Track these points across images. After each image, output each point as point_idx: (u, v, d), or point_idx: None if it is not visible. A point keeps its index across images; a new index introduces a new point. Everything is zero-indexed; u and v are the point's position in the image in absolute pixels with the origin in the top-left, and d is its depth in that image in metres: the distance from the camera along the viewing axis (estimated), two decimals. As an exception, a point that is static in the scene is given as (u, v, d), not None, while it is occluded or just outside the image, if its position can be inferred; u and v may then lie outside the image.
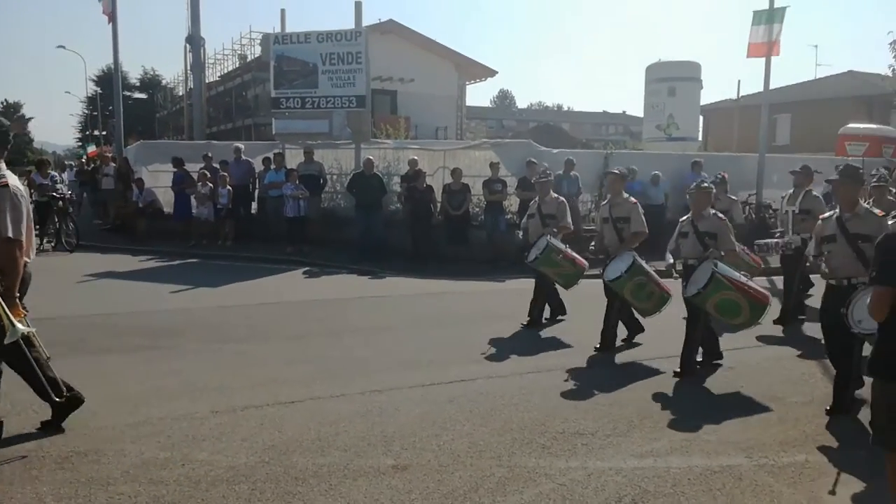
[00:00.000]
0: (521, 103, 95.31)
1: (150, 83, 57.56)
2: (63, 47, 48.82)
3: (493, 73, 38.21)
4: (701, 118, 35.53)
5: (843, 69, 41.50)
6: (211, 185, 15.14)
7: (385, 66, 28.12)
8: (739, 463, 4.69)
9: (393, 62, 29.03)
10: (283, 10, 16.70)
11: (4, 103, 71.95)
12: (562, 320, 8.77)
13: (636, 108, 65.96)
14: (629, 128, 66.06)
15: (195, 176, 15.42)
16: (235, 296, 10.47)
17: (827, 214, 5.78)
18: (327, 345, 7.67)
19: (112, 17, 18.57)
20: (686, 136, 30.85)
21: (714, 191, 7.20)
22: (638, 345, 7.77)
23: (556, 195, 8.85)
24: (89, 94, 55.25)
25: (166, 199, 16.82)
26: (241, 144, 16.90)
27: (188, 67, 26.12)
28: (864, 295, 4.84)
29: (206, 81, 32.62)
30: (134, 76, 58.27)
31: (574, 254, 8.12)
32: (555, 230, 8.32)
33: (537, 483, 4.36)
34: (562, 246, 8.08)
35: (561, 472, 4.50)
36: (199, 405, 5.63)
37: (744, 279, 6.36)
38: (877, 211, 5.60)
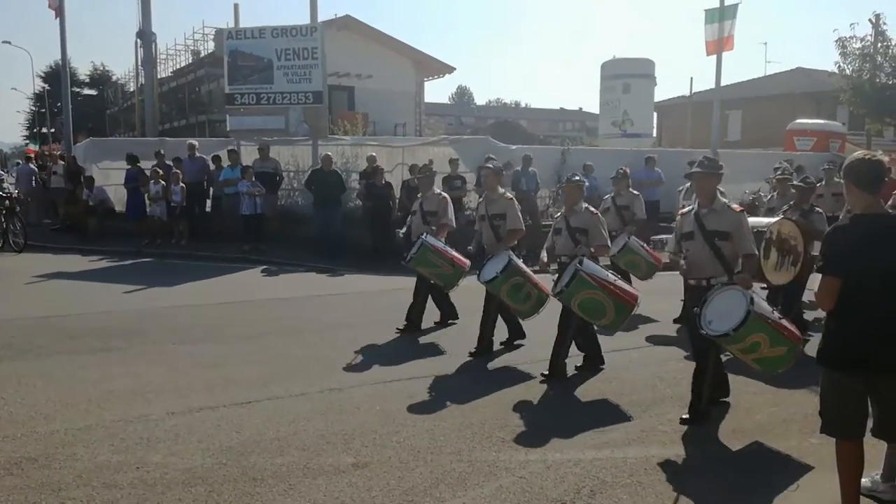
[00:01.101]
0: (480, 100, 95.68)
1: (101, 79, 56.09)
2: (9, 42, 47.40)
3: (451, 69, 38.20)
4: (655, 114, 36.10)
5: (793, 66, 42.65)
6: (164, 182, 14.84)
7: (342, 62, 27.89)
8: (693, 454, 4.79)
9: (350, 58, 28.80)
10: (236, 5, 16.56)
11: (-54, 99, 69.48)
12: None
13: (592, 105, 66.77)
14: (586, 124, 66.85)
15: (148, 173, 15.10)
16: (191, 295, 10.29)
17: (686, 209, 5.59)
18: (286, 344, 7.59)
19: (59, 12, 18.09)
20: (641, 133, 31.34)
21: (586, 184, 6.85)
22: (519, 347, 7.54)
23: (438, 191, 8.46)
24: (37, 91, 53.62)
25: (117, 198, 16.43)
26: (195, 141, 16.59)
27: (139, 63, 25.49)
28: (717, 295, 4.87)
29: (159, 77, 31.93)
30: (83, 72, 56.68)
31: (455, 253, 7.54)
32: (433, 228, 7.86)
33: (497, 476, 4.38)
34: (440, 244, 7.56)
35: (520, 465, 4.54)
36: (153, 407, 5.53)
37: (611, 278, 6.04)
38: (734, 206, 5.36)
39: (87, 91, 54.88)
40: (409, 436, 5.06)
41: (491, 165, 7.66)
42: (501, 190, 7.43)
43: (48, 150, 23.43)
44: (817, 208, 7.80)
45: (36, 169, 19.21)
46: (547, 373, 6.38)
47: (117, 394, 5.85)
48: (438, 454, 4.71)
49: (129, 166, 15.50)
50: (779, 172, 9.56)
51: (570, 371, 6.53)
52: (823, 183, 12.21)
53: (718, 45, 15.68)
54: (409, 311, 8.14)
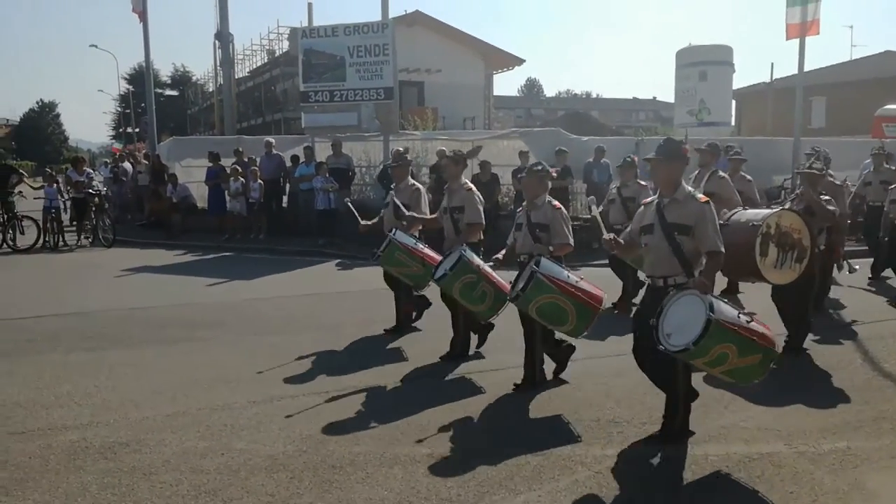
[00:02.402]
0: (549, 91, 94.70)
1: (181, 80, 58.31)
2: (95, 46, 49.69)
3: (520, 61, 38.01)
4: (733, 102, 34.95)
5: (880, 49, 40.52)
6: (243, 179, 15.31)
7: (412, 58, 28.10)
8: (779, 450, 4.63)
9: (420, 53, 29.01)
10: (310, 4, 16.80)
11: (40, 103, 73.58)
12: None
13: (667, 94, 65.02)
14: (660, 114, 65.26)
15: (228, 171, 15.61)
16: (270, 288, 10.59)
17: (650, 199, 4.91)
18: (360, 335, 7.72)
19: (142, 16, 18.84)
20: (718, 121, 30.39)
21: (553, 176, 6.11)
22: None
23: (413, 182, 7.71)
24: (122, 92, 56.18)
25: (199, 194, 17.05)
26: (271, 139, 17.05)
27: (217, 63, 26.34)
28: (674, 303, 4.33)
29: (236, 77, 32.88)
30: (165, 73, 59.13)
31: (427, 251, 6.91)
32: (404, 223, 7.22)
33: (573, 471, 4.35)
34: (410, 241, 6.94)
35: (596, 460, 4.49)
36: (236, 395, 5.73)
37: (573, 279, 5.36)
38: (699, 196, 4.65)
39: (168, 92, 57.17)
40: (485, 428, 5.08)
41: (451, 153, 7.06)
42: (462, 180, 6.87)
43: (135, 149, 24.45)
44: (824, 195, 7.01)
45: (130, 168, 19.95)
46: (519, 383, 5.85)
47: (202, 382, 6.09)
48: (513, 447, 4.70)
49: (210, 164, 16.06)
50: (807, 166, 8.93)
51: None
52: (871, 170, 11.51)
53: (801, 29, 14.98)
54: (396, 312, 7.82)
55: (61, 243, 14.99)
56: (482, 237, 6.83)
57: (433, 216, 7.30)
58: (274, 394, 5.77)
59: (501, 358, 6.60)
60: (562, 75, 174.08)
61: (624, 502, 3.98)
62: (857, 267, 8.91)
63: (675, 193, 4.63)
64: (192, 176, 17.60)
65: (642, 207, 4.93)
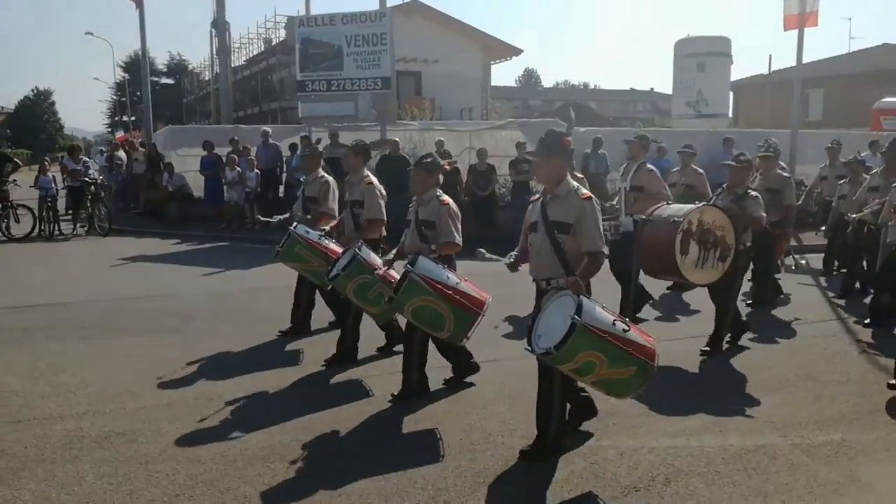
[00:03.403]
0: (547, 82, 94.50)
1: (177, 68, 58.06)
2: (91, 34, 49.48)
3: (517, 51, 37.86)
4: (731, 94, 34.90)
5: (878, 42, 40.50)
6: (239, 168, 15.26)
7: (409, 47, 27.96)
8: (774, 442, 4.64)
9: (417, 43, 28.85)
10: (307, -7, 16.71)
11: (35, 91, 73.17)
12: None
13: (664, 85, 65.08)
14: (657, 105, 65.17)
15: (224, 160, 15.56)
16: (266, 278, 10.55)
17: (537, 196, 4.63)
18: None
19: (138, 3, 18.70)
20: (716, 113, 30.32)
21: (446, 168, 5.69)
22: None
23: (323, 174, 7.23)
24: (117, 81, 55.91)
25: (195, 184, 16.99)
26: (268, 128, 16.98)
27: (214, 52, 26.22)
28: (551, 303, 4.09)
29: (232, 66, 32.71)
30: (161, 62, 58.85)
31: (332, 246, 6.50)
32: (308, 217, 6.90)
33: (569, 462, 4.36)
34: (313, 236, 6.52)
35: (593, 451, 4.50)
36: (232, 385, 5.72)
37: (453, 281, 4.93)
38: (582, 192, 4.33)
39: (164, 80, 56.94)
40: (481, 419, 5.08)
41: (348, 145, 6.56)
42: (364, 173, 6.45)
43: (130, 138, 24.37)
44: (752, 191, 6.56)
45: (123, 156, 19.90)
46: (398, 392, 5.45)
47: (198, 372, 6.08)
48: (509, 437, 4.71)
49: (206, 153, 15.99)
50: (762, 149, 8.48)
51: (438, 385, 5.67)
52: (827, 164, 11.24)
53: (799, 21, 14.95)
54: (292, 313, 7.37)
55: (57, 232, 14.94)
56: (384, 233, 6.44)
57: (339, 216, 6.84)
58: (270, 383, 5.77)
59: (490, 351, 6.60)
60: (560, 66, 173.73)
61: (620, 493, 3.98)
62: (803, 262, 8.58)
63: (558, 189, 4.37)
64: (188, 165, 17.53)
65: (531, 206, 4.62)
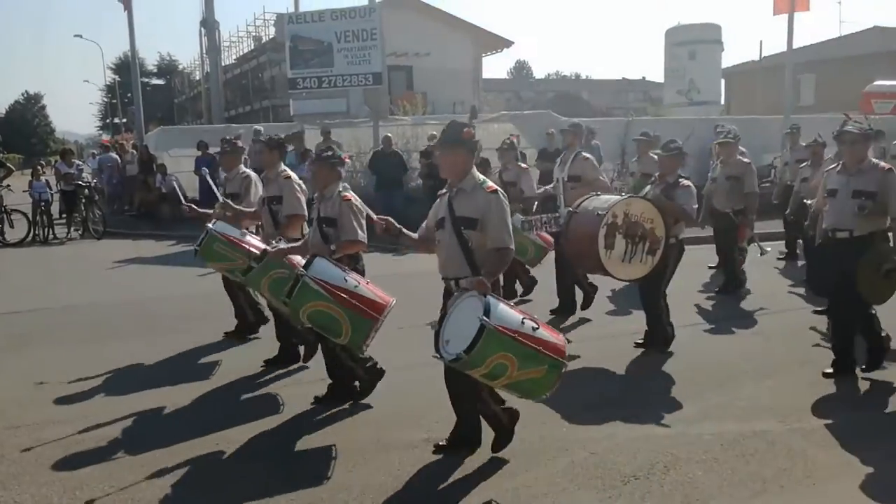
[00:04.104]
0: (539, 74, 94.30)
1: (168, 69, 57.89)
2: (80, 36, 49.36)
3: (508, 43, 37.80)
4: (723, 81, 34.90)
5: (869, 25, 40.52)
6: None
7: (399, 41, 27.92)
8: (772, 428, 4.67)
9: (407, 37, 28.81)
10: (295, -10, 16.65)
11: (25, 94, 72.86)
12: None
13: (656, 74, 65.08)
14: (649, 94, 65.12)
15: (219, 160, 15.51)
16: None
17: (443, 191, 4.39)
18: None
19: (127, 4, 18.61)
20: (708, 100, 30.34)
21: (342, 161, 5.29)
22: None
23: (245, 170, 6.96)
24: (108, 83, 55.69)
25: (188, 185, 16.92)
26: (260, 126, 16.95)
27: (204, 51, 26.12)
28: (457, 305, 3.87)
29: (223, 64, 32.62)
30: (151, 62, 58.68)
31: (255, 241, 6.13)
32: (227, 213, 6.51)
33: (569, 452, 4.38)
34: (234, 233, 6.17)
35: (593, 441, 4.52)
36: (229, 386, 5.74)
37: (352, 284, 4.64)
38: (488, 185, 4.15)
39: (155, 81, 56.75)
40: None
41: (262, 139, 6.20)
42: (281, 168, 6.16)
43: (121, 140, 24.28)
44: (684, 181, 6.21)
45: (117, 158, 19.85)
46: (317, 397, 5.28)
47: (194, 374, 6.07)
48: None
49: (199, 153, 15.95)
50: (721, 136, 8.48)
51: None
52: (788, 149, 11.03)
53: (790, 4, 14.97)
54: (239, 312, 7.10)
55: (51, 236, 14.89)
56: (305, 230, 5.93)
57: (255, 210, 6.51)
58: (268, 383, 5.78)
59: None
60: (551, 57, 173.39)
61: (620, 482, 4.01)
62: (768, 249, 8.53)
63: (463, 183, 4.16)
64: (181, 166, 17.48)
65: (438, 200, 4.38)
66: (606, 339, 6.62)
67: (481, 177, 4.23)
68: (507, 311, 3.78)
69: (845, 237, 5.33)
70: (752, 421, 4.78)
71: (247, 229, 6.39)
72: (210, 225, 6.22)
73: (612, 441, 4.52)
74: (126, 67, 43.05)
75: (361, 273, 5.03)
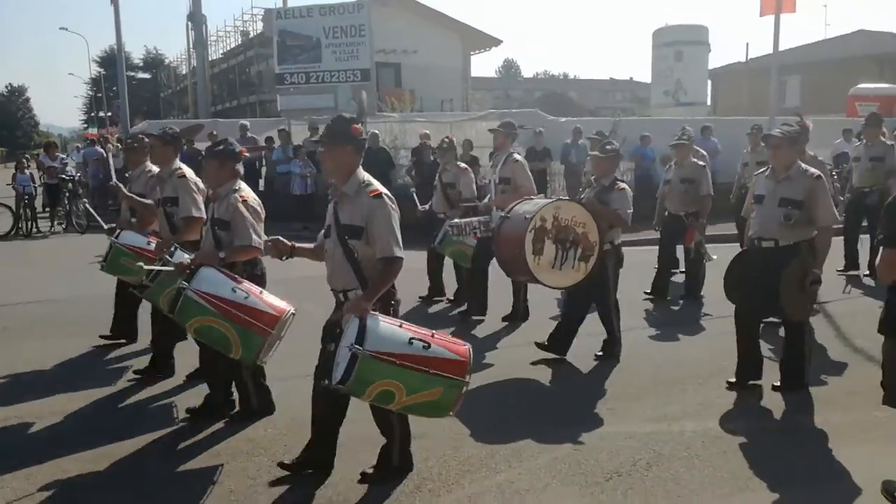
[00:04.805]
0: (527, 73, 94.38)
1: (154, 63, 57.48)
2: (65, 29, 49.05)
3: (497, 41, 37.90)
4: (709, 82, 35.14)
5: (854, 28, 40.92)
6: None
7: (388, 38, 27.90)
8: (753, 426, 4.73)
9: (396, 33, 28.79)
10: (284, -15, 16.59)
11: (9, 87, 72.08)
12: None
13: (643, 75, 65.27)
14: (637, 94, 65.43)
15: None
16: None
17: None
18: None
19: (113, -3, 18.49)
20: (694, 101, 30.58)
21: (239, 156, 4.82)
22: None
23: (150, 167, 6.24)
24: (93, 76, 55.22)
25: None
26: (246, 122, 16.88)
27: (191, 45, 26.02)
28: (349, 325, 3.51)
29: (209, 59, 32.47)
30: (137, 56, 58.24)
31: (145, 244, 5.76)
32: (133, 219, 6.20)
33: (552, 449, 4.41)
34: (140, 241, 5.84)
35: (575, 437, 4.54)
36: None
37: (241, 295, 4.27)
38: (372, 188, 3.74)
39: (141, 75, 56.35)
40: (466, 408, 5.09)
41: (158, 134, 5.73)
42: (176, 165, 5.56)
43: (106, 133, 24.11)
44: (621, 183, 5.98)
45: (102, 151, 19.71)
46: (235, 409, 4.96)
47: (186, 366, 6.02)
48: (493, 427, 4.75)
49: (185, 147, 15.83)
50: (677, 137, 8.36)
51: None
52: (749, 150, 10.52)
53: (776, 6, 15.07)
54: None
55: (35, 230, 14.76)
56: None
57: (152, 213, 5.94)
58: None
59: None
60: (540, 56, 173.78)
61: (602, 478, 4.04)
62: (714, 257, 8.13)
63: (346, 186, 3.77)
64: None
65: (330, 206, 3.93)
66: (592, 338, 6.65)
67: (367, 178, 3.81)
68: (389, 333, 3.48)
69: (770, 246, 5.06)
70: (733, 419, 4.84)
71: (155, 234, 5.85)
72: (114, 238, 5.87)
73: (595, 438, 4.55)
74: (112, 61, 42.78)
75: (260, 280, 4.70)
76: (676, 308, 8.06)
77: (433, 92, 30.49)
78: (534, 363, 6.05)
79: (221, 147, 4.72)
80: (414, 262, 8.26)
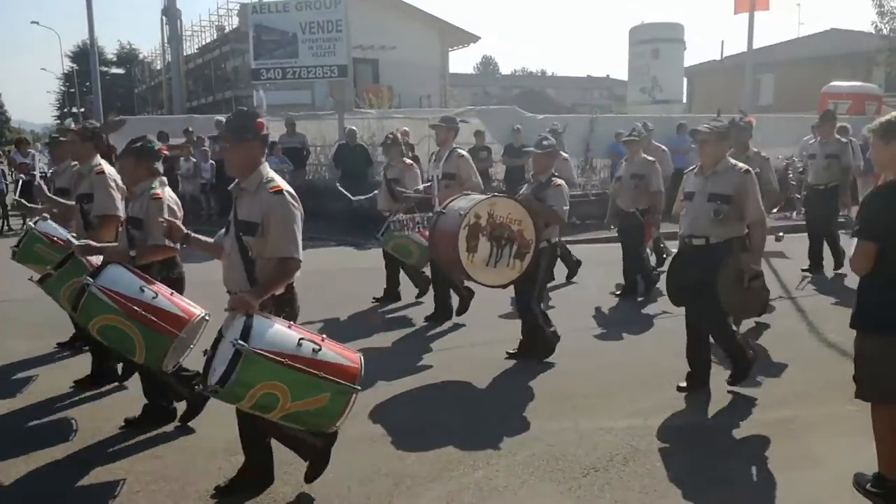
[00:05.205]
0: (505, 69, 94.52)
1: (128, 58, 56.68)
2: (37, 23, 47.99)
3: (475, 38, 37.97)
4: (685, 80, 35.46)
5: (827, 27, 41.49)
6: (194, 160, 15.00)
7: (366, 34, 27.75)
8: (729, 420, 4.77)
9: (374, 29, 28.67)
10: (260, -21, 16.44)
11: (-21, 82, 70.70)
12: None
13: (620, 72, 65.73)
14: (613, 91, 65.81)
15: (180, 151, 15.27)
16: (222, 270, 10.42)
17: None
18: (314, 316, 7.65)
19: (85, -10, 18.20)
20: (671, 99, 30.84)
21: (157, 155, 4.69)
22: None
23: (75, 164, 5.87)
24: (65, 71, 54.37)
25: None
26: (222, 118, 16.68)
27: (165, 40, 25.68)
28: (231, 326, 3.38)
29: (185, 54, 32.12)
30: (110, 51, 57.36)
31: (66, 236, 5.54)
32: (54, 211, 5.93)
33: (529, 445, 4.42)
34: (61, 232, 5.63)
35: (552, 434, 4.56)
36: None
37: (149, 295, 4.09)
38: (274, 184, 3.60)
39: (114, 70, 55.56)
40: (442, 406, 5.11)
41: (79, 129, 5.53)
42: (95, 162, 5.33)
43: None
44: (557, 180, 5.82)
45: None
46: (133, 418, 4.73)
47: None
48: (470, 424, 4.75)
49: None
50: (626, 134, 8.35)
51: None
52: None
53: (750, 4, 15.22)
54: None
55: (6, 227, 14.50)
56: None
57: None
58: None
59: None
60: (517, 53, 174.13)
61: (580, 474, 4.05)
62: (673, 250, 8.26)
63: (247, 182, 3.63)
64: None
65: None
66: (568, 334, 6.67)
67: (269, 174, 3.66)
68: (277, 333, 3.29)
69: (701, 244, 4.94)
70: (708, 414, 4.88)
71: (69, 226, 5.67)
72: (32, 224, 5.66)
73: (572, 434, 4.56)
74: (84, 55, 42.12)
75: (177, 282, 4.60)
76: (654, 304, 8.11)
77: (411, 88, 30.46)
78: (508, 357, 6.06)
79: (139, 144, 4.58)
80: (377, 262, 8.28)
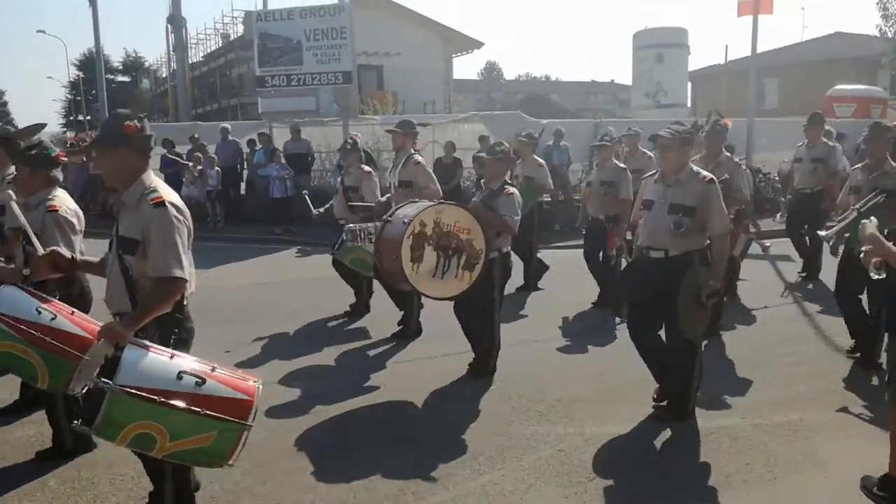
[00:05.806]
0: (509, 75, 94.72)
1: (133, 65, 56.90)
2: (43, 32, 48.34)
3: (479, 44, 37.99)
4: (689, 84, 35.48)
5: (831, 31, 41.47)
6: (200, 166, 15.06)
7: (370, 41, 27.85)
8: (734, 423, 4.76)
9: (378, 36, 28.75)
10: (264, -13, 16.53)
11: (-14, 91, 71.13)
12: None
13: (624, 77, 65.75)
14: (617, 96, 65.89)
15: (185, 158, 15.34)
16: (228, 277, 10.45)
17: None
18: (316, 322, 7.68)
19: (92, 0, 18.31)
20: (675, 103, 30.89)
21: (54, 162, 4.34)
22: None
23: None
24: (72, 79, 54.57)
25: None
26: (227, 125, 16.79)
27: (171, 48, 25.81)
28: (95, 370, 3.17)
29: (190, 62, 32.25)
30: (116, 59, 57.56)
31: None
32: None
33: (536, 450, 4.41)
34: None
35: (559, 438, 4.56)
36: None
37: (46, 317, 3.68)
38: (157, 194, 3.21)
39: (120, 78, 55.74)
40: (449, 410, 5.11)
41: (18, 132, 5.17)
42: (8, 170, 4.96)
43: (85, 137, 23.86)
44: (509, 188, 5.54)
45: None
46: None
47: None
48: (477, 429, 4.75)
49: (165, 151, 15.74)
50: (598, 139, 8.24)
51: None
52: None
53: (754, 7, 15.21)
54: None
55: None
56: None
57: None
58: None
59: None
60: (521, 58, 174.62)
61: (586, 478, 4.05)
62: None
63: (126, 195, 3.27)
64: (146, 164, 17.21)
65: None
66: (575, 338, 6.67)
67: (153, 183, 3.27)
68: (152, 365, 2.95)
69: (660, 257, 4.60)
70: (714, 417, 4.86)
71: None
72: None
73: (579, 439, 4.56)
74: (90, 64, 42.31)
75: (80, 301, 4.25)
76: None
77: (415, 94, 30.50)
78: (511, 365, 6.06)
79: (34, 152, 4.23)
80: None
